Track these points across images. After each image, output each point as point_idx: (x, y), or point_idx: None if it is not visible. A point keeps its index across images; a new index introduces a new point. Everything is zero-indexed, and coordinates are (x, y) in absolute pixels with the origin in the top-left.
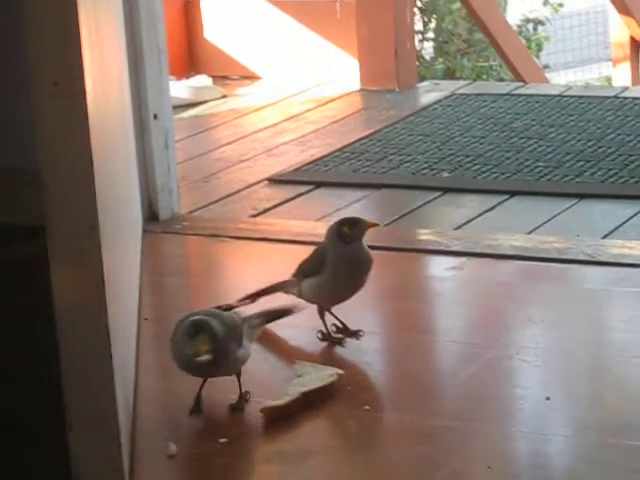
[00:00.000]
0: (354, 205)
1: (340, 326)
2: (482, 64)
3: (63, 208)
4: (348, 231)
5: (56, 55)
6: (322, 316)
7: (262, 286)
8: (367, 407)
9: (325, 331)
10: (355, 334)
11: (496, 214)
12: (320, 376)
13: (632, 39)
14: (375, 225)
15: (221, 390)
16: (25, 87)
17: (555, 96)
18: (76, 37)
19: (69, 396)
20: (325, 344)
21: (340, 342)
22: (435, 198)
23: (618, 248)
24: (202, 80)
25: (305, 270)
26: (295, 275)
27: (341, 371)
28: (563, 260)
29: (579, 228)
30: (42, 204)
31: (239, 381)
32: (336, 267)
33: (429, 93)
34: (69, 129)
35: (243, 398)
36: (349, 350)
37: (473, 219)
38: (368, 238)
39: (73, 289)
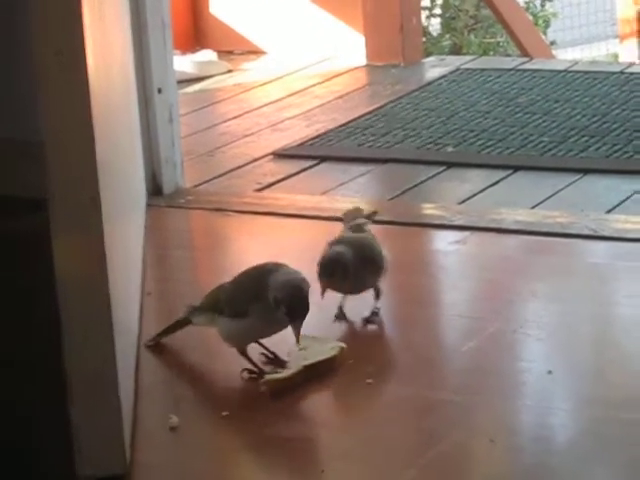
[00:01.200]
0: (358, 179)
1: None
2: (489, 40)
3: (64, 179)
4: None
5: (58, 25)
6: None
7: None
8: (370, 380)
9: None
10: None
11: (500, 189)
12: (323, 349)
13: (639, 15)
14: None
15: (223, 362)
16: (27, 58)
17: (561, 71)
18: (78, 7)
19: (70, 368)
20: (329, 318)
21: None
22: (439, 173)
23: (622, 223)
24: (207, 55)
25: None
26: None
27: (343, 344)
28: (567, 235)
29: (583, 203)
30: (44, 176)
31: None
32: None
33: (434, 68)
34: (71, 100)
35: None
36: (352, 323)
37: (477, 194)
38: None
39: (75, 261)
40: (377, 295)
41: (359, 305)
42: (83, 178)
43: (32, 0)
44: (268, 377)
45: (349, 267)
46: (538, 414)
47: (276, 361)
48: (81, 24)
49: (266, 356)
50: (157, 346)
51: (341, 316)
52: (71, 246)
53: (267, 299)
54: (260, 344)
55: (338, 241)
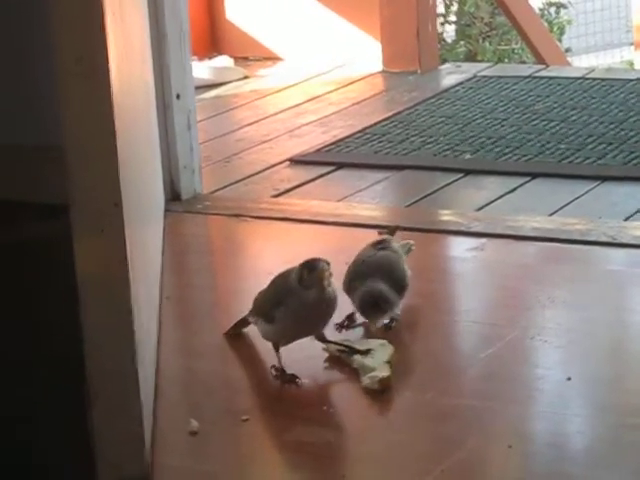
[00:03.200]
0: (375, 186)
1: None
2: (504, 47)
3: (87, 186)
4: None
5: (80, 32)
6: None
7: None
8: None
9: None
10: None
11: (517, 196)
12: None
13: None
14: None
15: (242, 367)
16: (49, 64)
17: (577, 79)
18: (99, 14)
19: (91, 373)
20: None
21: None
22: (456, 180)
23: None
24: (224, 61)
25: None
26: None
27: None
28: (585, 242)
29: (601, 210)
30: (66, 182)
31: None
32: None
33: (451, 75)
34: (92, 106)
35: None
36: (366, 328)
37: (494, 201)
38: (389, 219)
39: (96, 267)
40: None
41: None
42: (106, 184)
43: (53, 7)
44: (378, 376)
45: (392, 305)
46: (555, 421)
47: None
48: (103, 30)
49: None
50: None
51: (347, 325)
52: (93, 251)
53: (288, 303)
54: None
55: (362, 263)
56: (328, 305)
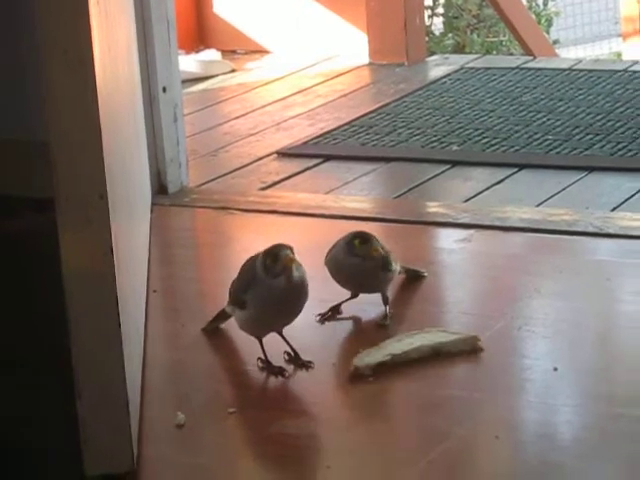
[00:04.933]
0: (362, 179)
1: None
2: (492, 39)
3: (72, 178)
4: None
5: (65, 24)
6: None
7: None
8: (371, 378)
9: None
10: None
11: (505, 187)
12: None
13: None
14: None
15: (229, 360)
16: (35, 59)
17: (565, 70)
18: (84, 7)
19: (78, 364)
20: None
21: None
22: (444, 171)
23: (627, 220)
24: (211, 54)
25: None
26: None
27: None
28: (572, 232)
29: (588, 201)
30: (51, 175)
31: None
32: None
33: (438, 67)
34: (78, 98)
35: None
36: (356, 322)
37: (482, 192)
38: (377, 211)
39: (82, 259)
40: (385, 301)
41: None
42: (91, 176)
43: (39, 1)
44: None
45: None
46: (543, 411)
47: (296, 360)
48: (88, 23)
49: (288, 354)
50: (212, 333)
51: (330, 317)
52: (79, 243)
53: (255, 289)
54: (285, 340)
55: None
56: (299, 291)
